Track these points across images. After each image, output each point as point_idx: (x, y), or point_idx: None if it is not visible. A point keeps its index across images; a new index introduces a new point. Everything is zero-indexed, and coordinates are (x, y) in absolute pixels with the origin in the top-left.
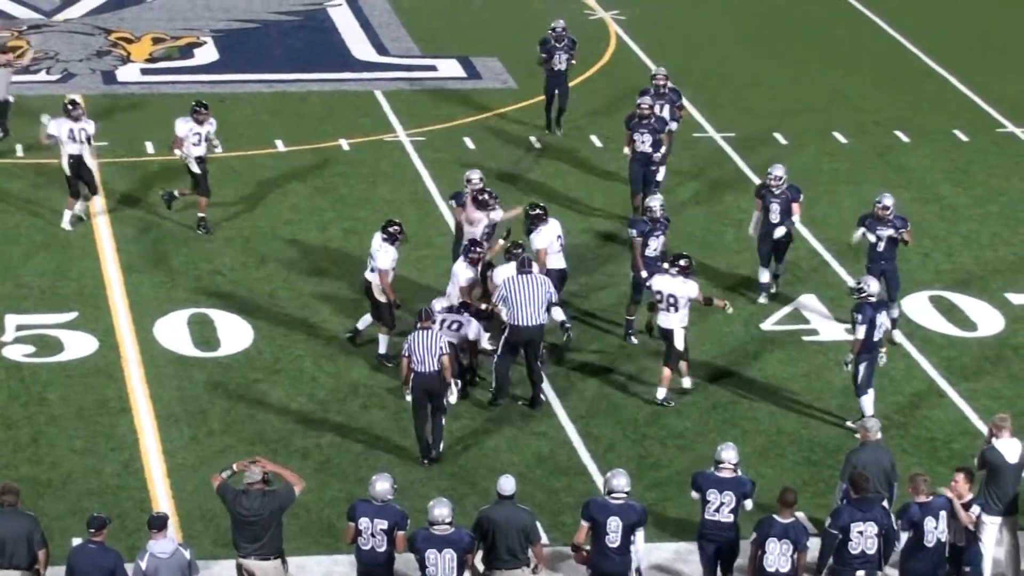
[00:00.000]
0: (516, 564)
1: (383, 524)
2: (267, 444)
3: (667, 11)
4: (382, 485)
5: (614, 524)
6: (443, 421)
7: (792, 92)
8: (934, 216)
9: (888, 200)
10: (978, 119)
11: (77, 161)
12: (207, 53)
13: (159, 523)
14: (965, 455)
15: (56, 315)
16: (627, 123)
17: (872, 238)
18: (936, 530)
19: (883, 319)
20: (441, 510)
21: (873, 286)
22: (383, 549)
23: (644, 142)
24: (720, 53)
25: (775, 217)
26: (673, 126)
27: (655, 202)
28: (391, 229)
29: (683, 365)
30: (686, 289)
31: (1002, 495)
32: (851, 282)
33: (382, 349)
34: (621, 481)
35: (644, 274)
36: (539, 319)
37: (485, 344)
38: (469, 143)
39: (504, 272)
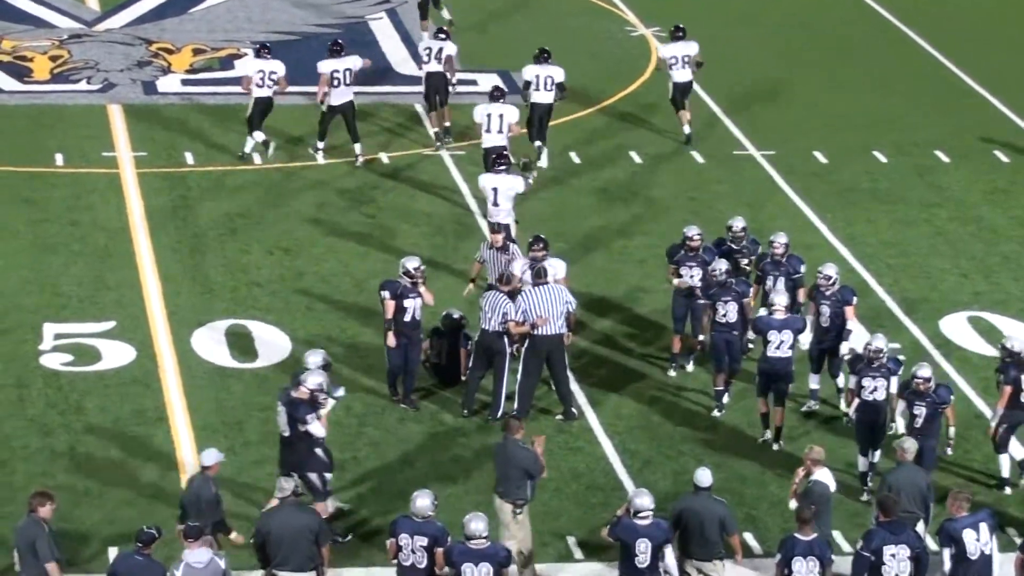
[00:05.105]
0: (708, 556)
1: (423, 540)
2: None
3: (708, 28)
4: (423, 501)
5: (643, 546)
6: (503, 385)
7: (832, 111)
8: (973, 237)
9: (925, 372)
10: (1019, 140)
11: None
12: (247, 65)
13: (195, 533)
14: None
15: (94, 324)
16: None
17: (903, 420)
18: (979, 542)
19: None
20: (477, 524)
21: (879, 342)
22: (423, 565)
23: (693, 276)
24: (761, 71)
25: (824, 321)
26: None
27: (720, 265)
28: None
29: None
30: None
31: None
32: (880, 343)
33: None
34: (645, 501)
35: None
36: (558, 328)
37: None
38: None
39: (519, 267)
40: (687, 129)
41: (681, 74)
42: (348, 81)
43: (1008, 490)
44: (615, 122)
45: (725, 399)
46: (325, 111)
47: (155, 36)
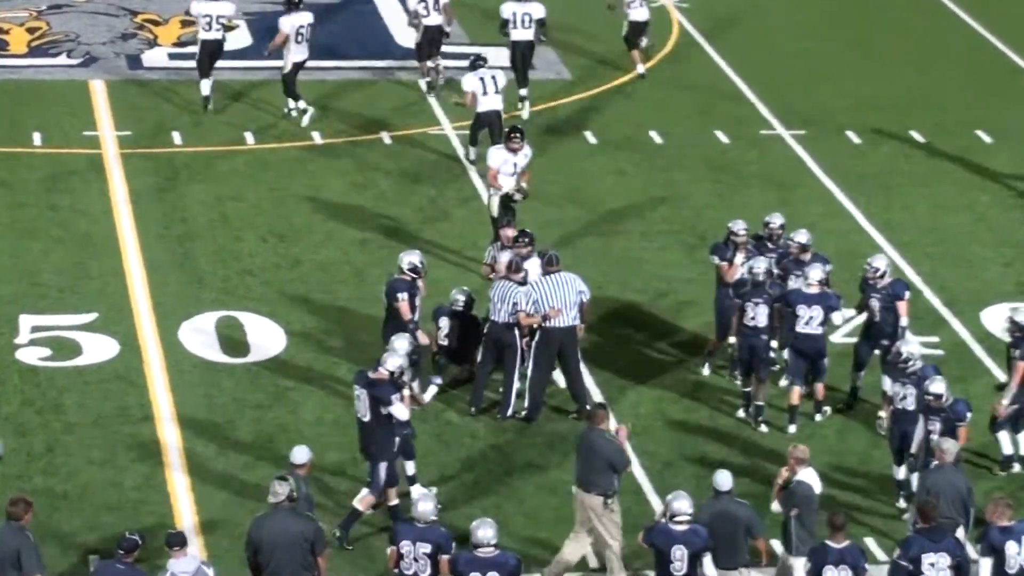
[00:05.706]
0: (735, 563)
1: (426, 548)
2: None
3: (735, 1)
4: (424, 505)
5: (679, 553)
6: (513, 381)
7: (867, 88)
8: (1016, 222)
9: (937, 387)
10: None
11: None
12: (240, 37)
13: (178, 540)
14: None
15: (75, 316)
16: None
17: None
18: (1019, 556)
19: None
20: (485, 531)
21: (907, 347)
22: (427, 575)
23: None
24: (789, 45)
25: (875, 317)
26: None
27: (760, 264)
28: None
29: None
30: None
31: None
32: (910, 348)
33: None
34: (683, 504)
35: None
36: (570, 320)
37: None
38: None
39: (533, 267)
40: (640, 68)
41: (639, 12)
42: (308, 37)
43: (1017, 467)
44: (634, 99)
45: (764, 427)
46: (289, 70)
47: (140, 7)
